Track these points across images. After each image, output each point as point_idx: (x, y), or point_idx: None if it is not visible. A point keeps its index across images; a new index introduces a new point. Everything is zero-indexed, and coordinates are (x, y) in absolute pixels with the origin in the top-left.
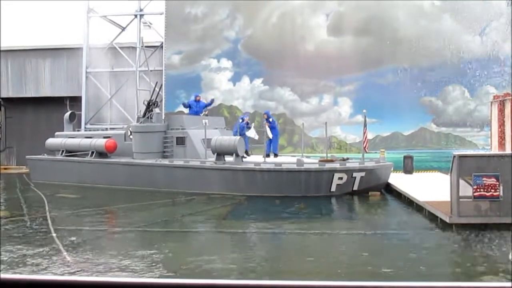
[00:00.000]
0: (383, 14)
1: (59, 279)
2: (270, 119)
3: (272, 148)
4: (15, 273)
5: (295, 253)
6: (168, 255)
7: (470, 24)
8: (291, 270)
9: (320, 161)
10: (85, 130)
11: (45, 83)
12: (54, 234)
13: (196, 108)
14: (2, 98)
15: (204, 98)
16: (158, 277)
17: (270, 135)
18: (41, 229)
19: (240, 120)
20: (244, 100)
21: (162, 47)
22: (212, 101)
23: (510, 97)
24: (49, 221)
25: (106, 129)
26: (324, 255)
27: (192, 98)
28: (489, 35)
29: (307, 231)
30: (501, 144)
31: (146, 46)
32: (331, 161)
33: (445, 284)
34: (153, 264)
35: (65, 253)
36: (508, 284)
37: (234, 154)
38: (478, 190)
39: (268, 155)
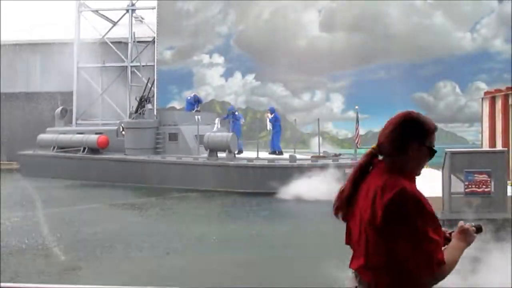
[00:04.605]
0: (375, 10)
1: (58, 287)
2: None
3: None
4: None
5: None
6: None
7: (461, 21)
8: None
9: (312, 157)
10: (77, 126)
11: (36, 78)
12: (46, 233)
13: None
14: None
15: (197, 93)
16: (157, 285)
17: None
18: (34, 228)
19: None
20: (236, 95)
21: (154, 42)
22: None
23: (501, 93)
24: (41, 219)
25: (98, 125)
26: None
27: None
28: (480, 32)
29: None
30: (492, 140)
31: (138, 41)
32: (324, 157)
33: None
34: None
35: (59, 253)
36: (508, 285)
37: (226, 150)
38: (470, 186)
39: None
